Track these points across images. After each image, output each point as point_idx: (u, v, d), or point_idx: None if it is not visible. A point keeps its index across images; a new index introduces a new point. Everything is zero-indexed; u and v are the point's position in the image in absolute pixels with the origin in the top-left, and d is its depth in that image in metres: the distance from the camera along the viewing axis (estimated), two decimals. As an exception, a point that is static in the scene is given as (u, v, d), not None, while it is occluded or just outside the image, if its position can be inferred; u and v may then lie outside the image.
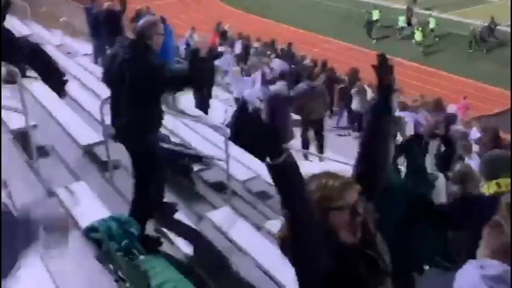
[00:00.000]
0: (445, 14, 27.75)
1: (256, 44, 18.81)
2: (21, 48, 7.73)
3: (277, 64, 15.49)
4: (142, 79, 4.06)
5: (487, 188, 3.62)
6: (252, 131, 1.72)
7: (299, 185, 1.78)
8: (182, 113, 8.49)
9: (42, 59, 8.02)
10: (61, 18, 13.05)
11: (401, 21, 26.26)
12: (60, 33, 12.97)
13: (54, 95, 7.21)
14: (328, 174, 1.96)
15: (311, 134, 9.57)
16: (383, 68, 2.27)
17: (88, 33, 11.95)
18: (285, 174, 1.76)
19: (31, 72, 7.71)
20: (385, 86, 2.29)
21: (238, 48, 18.34)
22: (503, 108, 16.87)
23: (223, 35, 19.67)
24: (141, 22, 4.38)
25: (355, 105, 13.24)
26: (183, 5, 29.99)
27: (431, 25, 25.45)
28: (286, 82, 9.22)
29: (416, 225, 3.40)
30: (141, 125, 4.26)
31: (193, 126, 7.84)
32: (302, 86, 8.54)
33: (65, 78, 7.98)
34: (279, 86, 7.99)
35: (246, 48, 18.08)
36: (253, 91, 10.67)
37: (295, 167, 1.78)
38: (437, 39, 25.20)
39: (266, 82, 9.93)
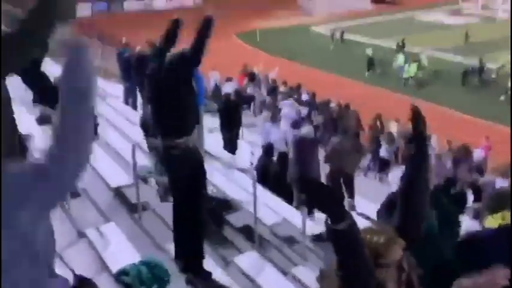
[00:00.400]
0: (438, 52, 29.64)
1: (282, 88, 19.02)
2: (55, 90, 7.97)
3: (288, 107, 15.63)
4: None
5: (493, 221, 3.69)
6: (314, 193, 1.69)
7: (360, 247, 1.74)
8: (209, 154, 8.58)
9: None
10: (94, 61, 13.39)
11: (400, 59, 27.17)
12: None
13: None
14: (372, 230, 1.95)
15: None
16: (417, 120, 2.31)
17: (119, 75, 12.26)
18: (348, 238, 1.71)
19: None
20: (421, 138, 2.32)
21: (264, 92, 18.57)
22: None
23: (251, 77, 19.97)
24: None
25: (383, 151, 13.22)
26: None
27: (423, 62, 26.77)
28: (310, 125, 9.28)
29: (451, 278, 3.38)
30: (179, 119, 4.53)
31: (221, 168, 7.89)
32: (337, 139, 8.62)
33: (96, 120, 8.17)
34: (307, 130, 8.05)
35: (273, 91, 18.27)
36: (279, 135, 10.74)
37: (357, 230, 1.73)
38: (430, 74, 26.59)
39: (293, 126, 9.98)
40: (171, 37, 4.67)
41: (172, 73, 4.48)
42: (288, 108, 14.09)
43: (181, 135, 4.54)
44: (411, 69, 25.96)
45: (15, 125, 2.79)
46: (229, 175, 7.62)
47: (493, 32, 32.95)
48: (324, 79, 25.52)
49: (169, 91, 4.49)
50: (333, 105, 17.67)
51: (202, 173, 4.78)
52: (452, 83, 25.38)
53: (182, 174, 4.59)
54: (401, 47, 29.07)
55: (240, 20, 38.06)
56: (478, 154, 13.87)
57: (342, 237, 1.70)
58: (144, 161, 6.77)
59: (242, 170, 7.66)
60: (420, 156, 2.31)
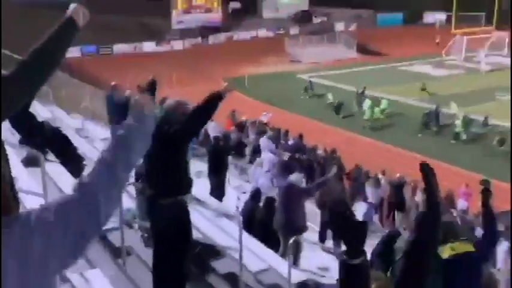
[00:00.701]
0: (400, 97, 31.23)
1: (269, 133, 19.18)
2: (43, 132, 7.99)
3: (265, 143, 15.80)
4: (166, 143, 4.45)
5: (442, 253, 3.84)
6: (352, 227, 1.73)
7: (369, 285, 1.79)
8: (195, 199, 8.54)
9: (61, 143, 8.26)
10: (82, 104, 13.48)
11: (367, 103, 28.15)
12: (80, 117, 13.34)
13: (71, 178, 7.32)
14: None
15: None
16: (429, 179, 2.22)
17: (107, 118, 12.29)
18: (360, 274, 1.76)
19: (51, 156, 7.89)
20: (433, 198, 2.23)
21: (251, 138, 18.71)
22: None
23: (240, 124, 20.18)
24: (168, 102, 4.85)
25: (369, 197, 13.26)
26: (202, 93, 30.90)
27: (383, 106, 27.98)
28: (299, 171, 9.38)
29: None
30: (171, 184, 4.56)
31: (207, 213, 7.86)
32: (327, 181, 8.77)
33: (83, 162, 8.15)
34: (295, 177, 8.08)
35: (261, 135, 18.41)
36: (266, 180, 10.77)
37: (368, 268, 1.78)
38: (388, 117, 27.80)
39: (282, 172, 10.06)
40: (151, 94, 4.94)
41: (169, 140, 4.50)
42: (268, 153, 14.22)
43: (169, 197, 4.56)
44: (375, 113, 27.18)
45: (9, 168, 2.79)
46: (215, 221, 7.59)
47: (471, 84, 33.87)
48: (309, 125, 26.04)
49: (164, 156, 4.51)
50: (319, 152, 17.85)
51: (187, 224, 4.77)
52: (417, 127, 26.36)
53: (166, 225, 4.57)
54: (361, 94, 30.23)
55: (229, 66, 38.61)
56: (461, 204, 13.97)
57: (355, 272, 1.76)
58: (129, 204, 6.73)
59: (228, 216, 7.63)
60: (430, 217, 2.22)
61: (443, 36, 45.16)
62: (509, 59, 41.26)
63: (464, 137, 24.49)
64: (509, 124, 24.79)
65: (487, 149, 23.04)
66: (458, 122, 24.92)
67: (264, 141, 16.27)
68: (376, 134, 25.91)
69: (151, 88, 5.01)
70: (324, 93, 31.90)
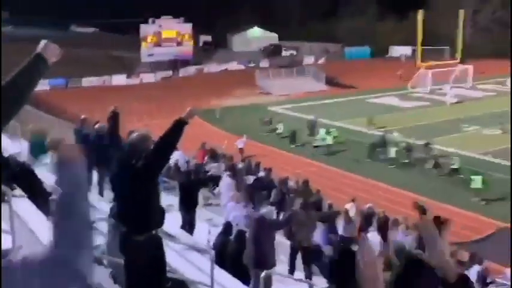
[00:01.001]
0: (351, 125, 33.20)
1: (240, 165, 19.19)
2: (10, 167, 7.85)
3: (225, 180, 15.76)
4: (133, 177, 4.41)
5: None
6: None
7: None
8: (167, 234, 8.43)
9: (28, 178, 8.12)
10: (49, 138, 13.26)
11: (321, 133, 29.54)
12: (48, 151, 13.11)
13: (39, 214, 7.17)
14: None
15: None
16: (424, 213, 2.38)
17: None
18: None
19: (18, 191, 7.73)
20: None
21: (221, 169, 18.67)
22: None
23: (212, 154, 20.18)
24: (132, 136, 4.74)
25: (340, 230, 13.25)
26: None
27: (334, 134, 29.62)
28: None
29: None
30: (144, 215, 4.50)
31: (177, 248, 7.75)
32: (295, 213, 8.82)
33: (51, 197, 8.01)
34: (267, 210, 8.08)
35: (232, 170, 18.37)
36: (238, 213, 10.72)
37: None
38: (342, 143, 29.27)
39: (254, 205, 10.07)
40: (113, 128, 4.89)
41: (137, 174, 4.42)
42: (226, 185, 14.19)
43: (144, 232, 4.51)
44: (328, 139, 28.59)
45: None
46: (186, 255, 7.50)
47: (437, 116, 34.72)
48: (277, 155, 26.25)
49: (134, 191, 4.45)
50: (291, 183, 17.88)
51: (162, 259, 4.71)
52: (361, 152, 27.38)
53: (142, 261, 4.50)
54: (313, 123, 31.55)
55: (200, 98, 38.73)
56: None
57: None
58: (99, 240, 6.60)
59: (199, 250, 7.55)
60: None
61: (409, 69, 46.26)
62: (473, 91, 42.70)
63: (402, 161, 25.81)
64: (470, 153, 25.89)
65: (425, 172, 24.29)
66: (392, 150, 26.38)
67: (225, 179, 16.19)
68: (329, 160, 26.96)
69: (113, 120, 4.94)
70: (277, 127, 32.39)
